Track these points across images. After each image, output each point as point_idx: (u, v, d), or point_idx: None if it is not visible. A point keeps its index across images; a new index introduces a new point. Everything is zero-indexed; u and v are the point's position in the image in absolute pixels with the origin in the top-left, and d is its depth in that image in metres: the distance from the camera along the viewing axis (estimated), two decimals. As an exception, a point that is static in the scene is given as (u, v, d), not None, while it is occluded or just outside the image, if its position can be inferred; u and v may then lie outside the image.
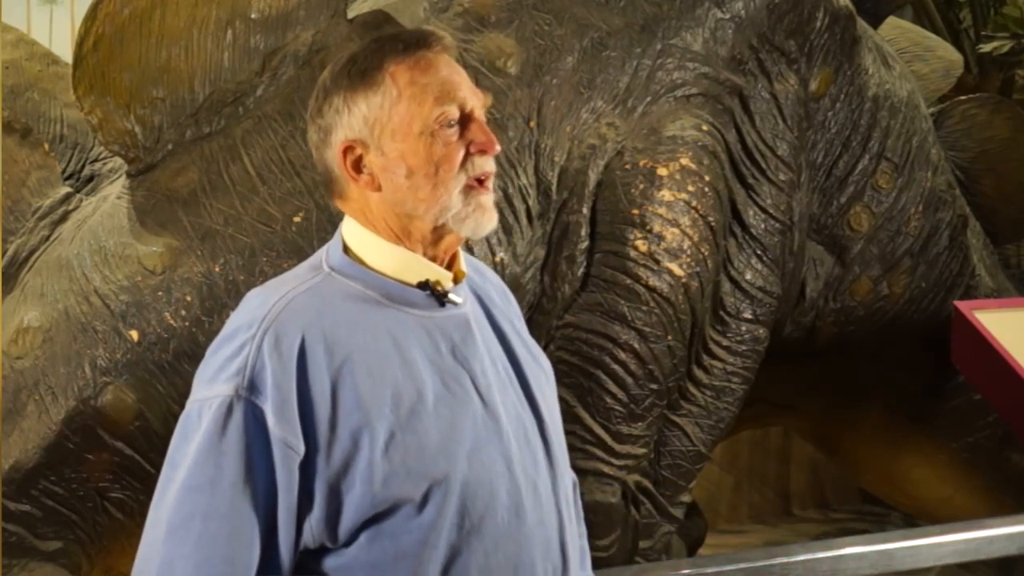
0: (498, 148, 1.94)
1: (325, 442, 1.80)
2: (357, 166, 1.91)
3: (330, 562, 1.84)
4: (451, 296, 1.94)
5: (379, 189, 1.91)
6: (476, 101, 1.93)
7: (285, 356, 1.81)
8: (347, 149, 1.91)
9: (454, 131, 1.90)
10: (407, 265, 1.92)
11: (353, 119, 1.91)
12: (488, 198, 1.93)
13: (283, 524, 1.81)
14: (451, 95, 1.91)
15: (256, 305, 1.88)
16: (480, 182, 1.92)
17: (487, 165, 1.93)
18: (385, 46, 1.93)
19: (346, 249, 1.94)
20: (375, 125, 1.90)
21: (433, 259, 1.95)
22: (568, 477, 2.05)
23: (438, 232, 1.93)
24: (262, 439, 1.80)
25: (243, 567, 1.79)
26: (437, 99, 1.90)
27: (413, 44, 1.92)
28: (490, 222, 1.93)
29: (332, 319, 1.85)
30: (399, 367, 1.85)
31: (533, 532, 1.90)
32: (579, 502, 2.15)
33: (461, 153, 1.90)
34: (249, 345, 1.82)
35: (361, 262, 1.92)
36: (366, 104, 1.90)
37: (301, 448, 1.80)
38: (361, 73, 1.91)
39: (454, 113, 1.90)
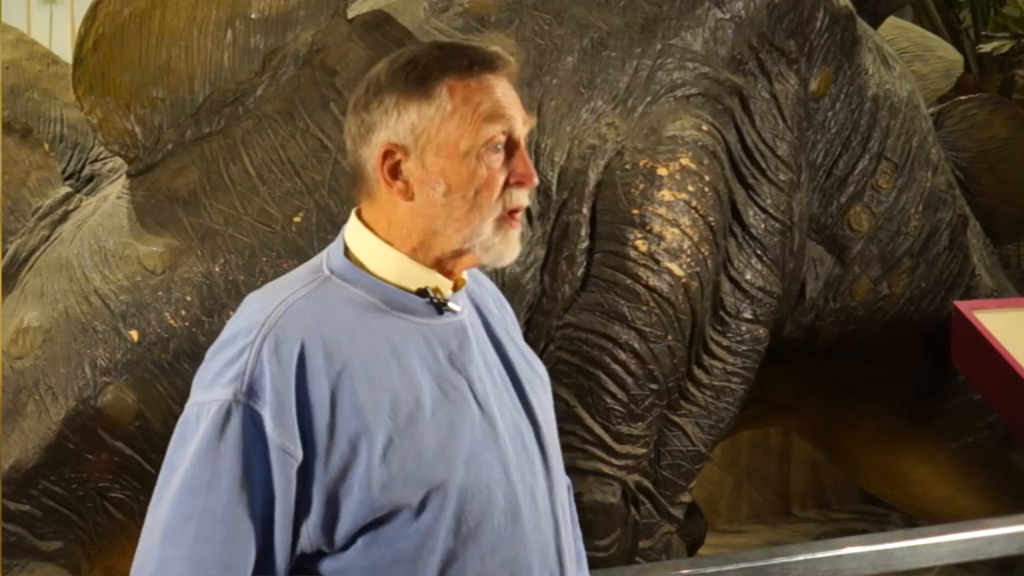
0: (536, 181, 1.92)
1: (323, 448, 1.80)
2: (394, 172, 1.88)
3: (327, 566, 1.84)
4: (450, 304, 1.93)
5: (411, 199, 1.88)
6: (524, 129, 1.90)
7: (284, 362, 1.80)
8: (387, 153, 1.88)
9: (499, 156, 1.88)
10: (408, 271, 1.91)
11: (400, 124, 1.87)
12: (516, 232, 1.91)
13: (280, 529, 1.80)
14: (502, 119, 1.88)
15: (256, 310, 1.87)
16: (512, 214, 1.90)
17: (523, 199, 1.90)
18: (450, 57, 1.89)
19: (347, 253, 1.93)
20: (421, 135, 1.87)
21: (440, 271, 1.93)
22: (564, 483, 2.04)
23: (459, 254, 1.91)
24: (260, 444, 1.79)
25: (238, 570, 1.78)
26: (488, 121, 1.86)
27: (479, 63, 1.88)
28: (511, 255, 1.92)
29: (331, 325, 1.85)
30: (397, 374, 1.85)
31: (530, 537, 1.90)
32: (574, 505, 2.15)
33: (502, 181, 1.88)
34: (248, 350, 1.81)
35: (362, 267, 1.91)
36: (417, 112, 1.86)
37: (299, 454, 1.79)
38: (420, 80, 1.87)
39: (501, 138, 1.88)
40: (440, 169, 1.87)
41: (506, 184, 1.89)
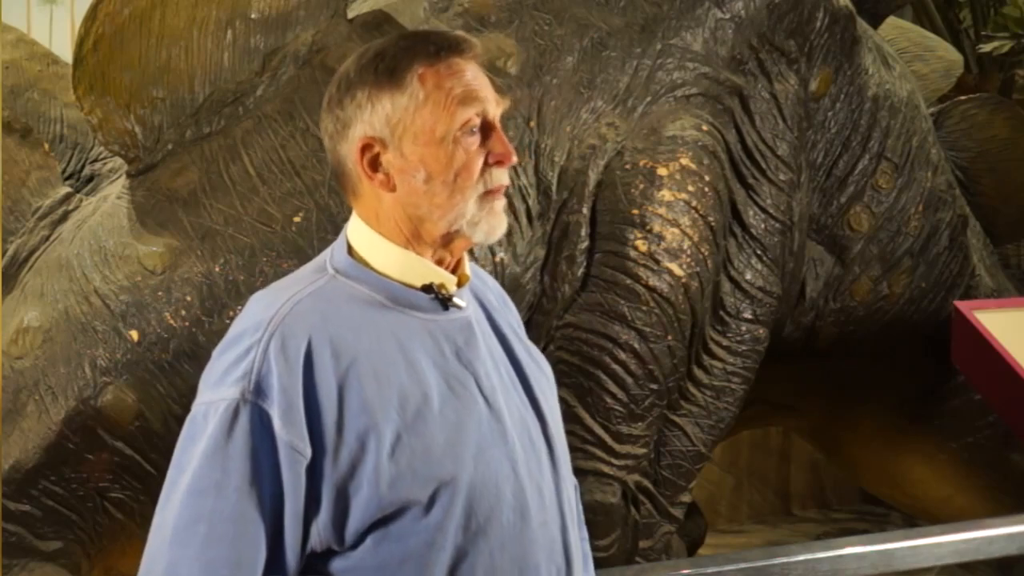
0: (515, 159, 1.93)
1: (332, 445, 1.80)
2: (373, 164, 1.89)
3: (337, 564, 1.83)
4: (455, 300, 1.93)
5: (393, 189, 1.89)
6: (497, 110, 1.92)
7: (291, 360, 1.80)
8: (365, 147, 1.89)
9: (475, 139, 1.89)
10: (412, 268, 1.91)
11: (375, 117, 1.88)
12: (500, 204, 1.92)
13: (289, 527, 1.80)
14: (476, 102, 1.89)
15: (262, 308, 1.87)
16: (493, 192, 1.91)
17: (503, 178, 1.92)
18: (416, 46, 1.90)
19: (350, 251, 1.93)
20: (397, 126, 1.88)
21: (440, 262, 1.94)
22: (571, 480, 2.05)
23: (449, 237, 1.91)
24: (268, 443, 1.79)
25: (249, 569, 1.78)
26: (462, 105, 1.88)
27: (445, 48, 1.90)
28: (501, 227, 1.93)
29: (337, 322, 1.85)
30: (404, 370, 1.85)
31: (537, 533, 1.90)
32: (579, 505, 2.15)
33: (480, 162, 1.89)
34: (255, 349, 1.81)
35: (366, 264, 1.91)
36: (391, 103, 1.88)
37: (308, 451, 1.79)
38: (389, 71, 1.88)
39: (476, 121, 1.89)
40: (419, 157, 1.88)
41: (485, 164, 1.90)
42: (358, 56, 1.93)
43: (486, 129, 1.90)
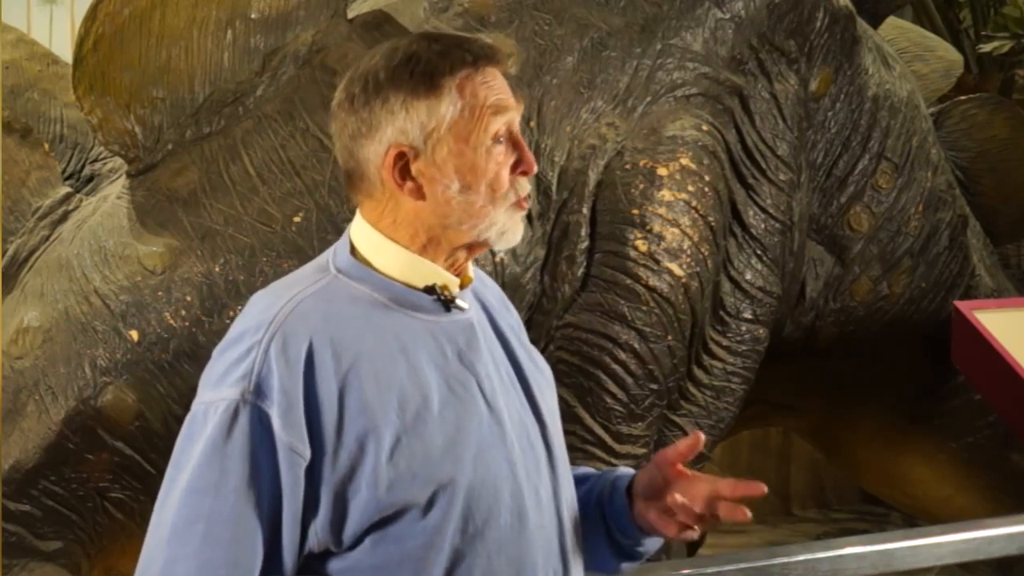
0: (536, 168, 1.92)
1: (331, 447, 1.79)
2: (404, 173, 1.87)
3: (334, 565, 1.83)
4: (457, 301, 1.92)
5: (423, 198, 1.87)
6: (519, 117, 1.91)
7: (292, 361, 1.79)
8: (399, 155, 1.86)
9: (502, 148, 1.88)
10: (415, 269, 1.90)
11: (410, 124, 1.86)
12: (522, 214, 1.92)
13: (287, 528, 1.80)
14: (507, 111, 1.88)
15: (263, 308, 1.85)
16: (522, 201, 1.91)
17: (528, 186, 1.92)
18: (452, 52, 1.88)
19: (353, 251, 1.92)
20: (432, 134, 1.86)
21: (447, 267, 1.93)
22: (570, 482, 2.04)
23: (471, 245, 1.91)
24: (267, 444, 1.78)
25: (246, 570, 1.78)
26: (495, 115, 1.87)
27: (482, 56, 1.88)
28: (520, 235, 1.93)
29: (339, 323, 1.84)
30: (405, 372, 1.84)
31: (534, 536, 1.90)
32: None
33: (508, 172, 1.89)
34: (256, 349, 1.80)
35: (368, 264, 1.90)
36: (427, 111, 1.85)
37: (307, 453, 1.79)
38: (427, 76, 1.85)
39: (504, 131, 1.88)
40: (454, 167, 1.87)
41: (511, 174, 1.89)
42: (386, 56, 1.89)
43: (511, 138, 1.90)
